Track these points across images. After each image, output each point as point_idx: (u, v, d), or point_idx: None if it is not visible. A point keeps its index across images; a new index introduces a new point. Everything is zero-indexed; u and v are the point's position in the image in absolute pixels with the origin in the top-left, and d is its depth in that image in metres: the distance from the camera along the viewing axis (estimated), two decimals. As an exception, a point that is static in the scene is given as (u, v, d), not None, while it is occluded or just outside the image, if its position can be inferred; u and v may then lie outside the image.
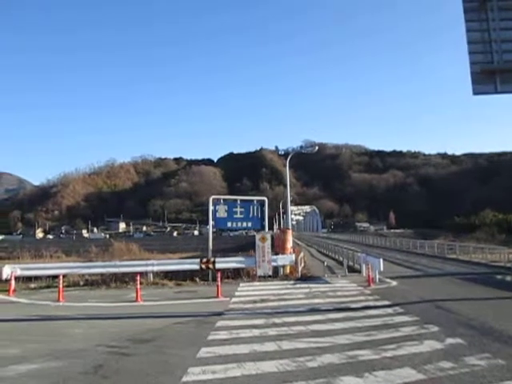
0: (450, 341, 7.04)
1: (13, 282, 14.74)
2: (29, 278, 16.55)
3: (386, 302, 11.19)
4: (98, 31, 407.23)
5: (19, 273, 16.07)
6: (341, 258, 24.77)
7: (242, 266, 17.54)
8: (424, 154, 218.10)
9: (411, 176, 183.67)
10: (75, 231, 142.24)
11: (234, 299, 12.24)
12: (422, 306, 10.57)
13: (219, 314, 10.10)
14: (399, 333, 7.77)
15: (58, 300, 12.71)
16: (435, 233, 79.42)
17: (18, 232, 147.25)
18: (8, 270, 15.79)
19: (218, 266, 16.55)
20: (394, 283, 15.02)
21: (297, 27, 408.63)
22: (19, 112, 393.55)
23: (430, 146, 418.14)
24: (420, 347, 6.72)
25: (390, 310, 10.12)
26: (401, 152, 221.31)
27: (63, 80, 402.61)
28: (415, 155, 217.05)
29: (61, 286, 13.29)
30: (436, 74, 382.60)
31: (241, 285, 15.48)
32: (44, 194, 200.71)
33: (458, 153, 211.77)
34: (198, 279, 16.59)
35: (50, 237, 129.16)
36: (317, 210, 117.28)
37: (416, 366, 5.72)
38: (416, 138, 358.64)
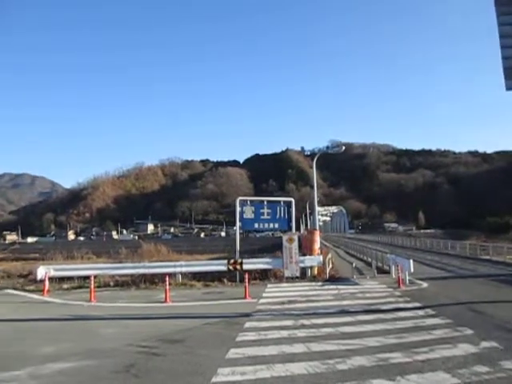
0: (484, 344, 6.83)
1: (47, 282, 15.15)
2: (62, 279, 16.96)
3: (417, 304, 10.96)
4: (124, 31, 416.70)
5: (53, 273, 16.56)
6: (369, 259, 24.42)
7: (270, 267, 17.51)
8: (454, 153, 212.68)
9: (441, 175, 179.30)
10: (105, 233, 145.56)
11: (261, 300, 12.24)
12: (455, 309, 10.29)
13: (247, 315, 10.12)
14: (431, 335, 7.59)
15: (90, 300, 12.99)
16: (466, 233, 77.25)
17: (51, 234, 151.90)
18: (42, 271, 16.33)
19: (245, 267, 16.59)
20: (425, 285, 14.69)
21: (326, 28, 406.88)
22: (52, 113, 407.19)
23: (460, 145, 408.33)
24: (453, 351, 6.54)
25: (421, 312, 9.90)
26: (430, 151, 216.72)
27: (94, 83, 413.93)
28: (445, 154, 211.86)
29: (92, 286, 13.58)
30: (467, 72, 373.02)
31: (268, 286, 15.46)
32: (75, 197, 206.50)
33: (489, 151, 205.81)
34: (225, 280, 16.65)
35: (81, 238, 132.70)
36: (344, 211, 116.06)
37: (450, 370, 5.58)
38: (445, 136, 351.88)
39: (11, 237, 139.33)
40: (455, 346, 6.82)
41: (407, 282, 14.96)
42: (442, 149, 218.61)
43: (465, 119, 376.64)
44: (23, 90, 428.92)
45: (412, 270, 15.10)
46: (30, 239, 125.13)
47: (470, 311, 9.86)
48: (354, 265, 19.44)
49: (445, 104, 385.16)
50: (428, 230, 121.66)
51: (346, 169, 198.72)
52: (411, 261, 15.32)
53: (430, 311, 9.97)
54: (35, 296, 14.42)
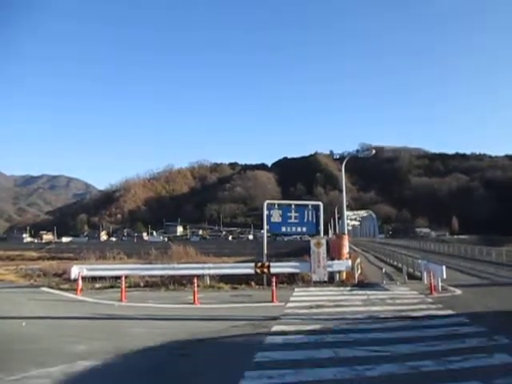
0: (522, 355, 6.56)
1: (80, 281, 15.57)
2: (94, 278, 17.38)
3: (450, 312, 10.65)
4: (160, 32, 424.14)
5: (85, 273, 17.00)
6: (399, 265, 23.91)
7: (297, 270, 17.41)
8: (490, 156, 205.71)
9: (476, 179, 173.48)
10: (136, 234, 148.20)
11: (289, 304, 12.18)
12: (490, 317, 9.93)
13: (275, 318, 10.09)
14: (465, 344, 7.34)
15: (121, 300, 13.26)
16: (503, 239, 74.53)
17: (85, 234, 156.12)
18: (76, 271, 16.80)
19: (272, 270, 16.54)
20: (459, 292, 14.25)
21: (358, 28, 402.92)
22: (87, 119, 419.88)
23: (496, 148, 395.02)
24: (489, 360, 6.31)
25: (454, 320, 9.59)
26: (464, 155, 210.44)
27: (126, 86, 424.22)
28: (480, 157, 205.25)
29: (123, 286, 13.86)
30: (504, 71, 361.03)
31: (296, 290, 15.37)
32: (108, 199, 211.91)
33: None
34: (253, 283, 16.66)
35: (113, 239, 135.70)
36: (373, 215, 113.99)
37: (485, 380, 5.37)
38: (481, 139, 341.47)
39: (47, 236, 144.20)
40: (491, 355, 6.56)
41: (440, 288, 14.56)
42: (477, 152, 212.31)
43: (501, 122, 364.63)
44: (60, 97, 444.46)
45: (445, 276, 14.67)
46: (64, 239, 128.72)
47: (507, 320, 9.51)
48: (383, 270, 19.08)
49: (479, 107, 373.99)
50: (462, 236, 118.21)
51: (376, 173, 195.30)
52: (444, 267, 14.90)
53: (463, 319, 9.65)
54: (69, 294, 14.83)
